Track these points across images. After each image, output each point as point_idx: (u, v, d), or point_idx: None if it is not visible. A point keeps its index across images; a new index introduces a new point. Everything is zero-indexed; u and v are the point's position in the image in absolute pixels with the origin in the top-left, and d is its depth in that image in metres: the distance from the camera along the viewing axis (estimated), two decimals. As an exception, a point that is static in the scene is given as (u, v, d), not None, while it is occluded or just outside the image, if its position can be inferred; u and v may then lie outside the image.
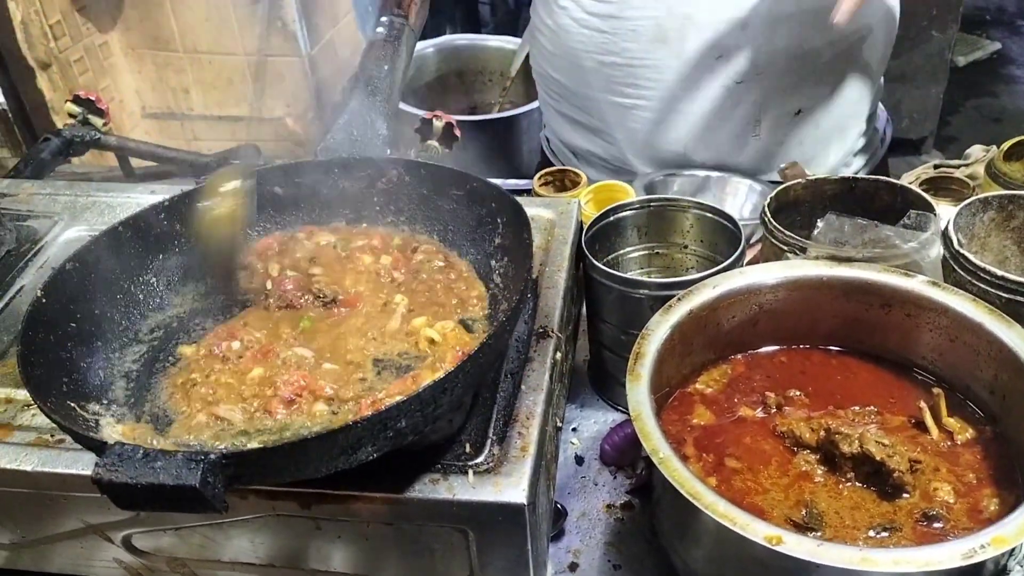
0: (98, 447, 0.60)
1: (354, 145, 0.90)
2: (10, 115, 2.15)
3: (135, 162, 1.45)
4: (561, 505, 0.91)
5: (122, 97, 2.40)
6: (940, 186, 1.20)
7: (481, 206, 0.84)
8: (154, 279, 0.85)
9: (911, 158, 3.85)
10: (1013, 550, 0.73)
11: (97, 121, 1.31)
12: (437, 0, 3.91)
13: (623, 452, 0.97)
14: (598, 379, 1.07)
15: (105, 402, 0.74)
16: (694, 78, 1.26)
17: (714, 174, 1.31)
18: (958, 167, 1.29)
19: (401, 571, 0.75)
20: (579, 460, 0.99)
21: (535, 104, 2.11)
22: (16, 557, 0.83)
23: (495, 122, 2.30)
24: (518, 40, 2.49)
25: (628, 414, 1.00)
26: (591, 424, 1.03)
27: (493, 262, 0.83)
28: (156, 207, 0.85)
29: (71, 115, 1.30)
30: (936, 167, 1.30)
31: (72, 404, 0.70)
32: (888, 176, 1.37)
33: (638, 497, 0.94)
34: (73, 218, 1.05)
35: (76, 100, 1.31)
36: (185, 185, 1.06)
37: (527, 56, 1.85)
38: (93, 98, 1.30)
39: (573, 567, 0.88)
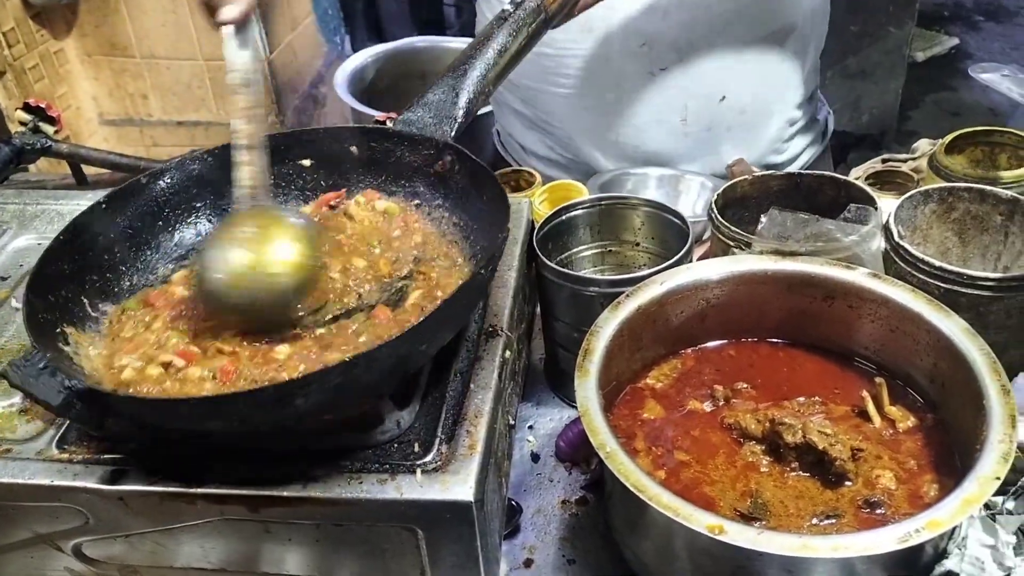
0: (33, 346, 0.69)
1: (427, 123, 0.91)
2: (-36, 123, 2.12)
3: (90, 170, 1.44)
4: (516, 502, 0.92)
5: (79, 104, 2.38)
6: (886, 180, 1.22)
7: (500, 213, 0.83)
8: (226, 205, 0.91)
9: (871, 152, 3.91)
10: (952, 533, 0.75)
11: (48, 128, 1.29)
12: (402, 2, 3.89)
13: (577, 448, 0.98)
14: (553, 377, 1.08)
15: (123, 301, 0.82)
16: (620, 66, 1.29)
17: (667, 171, 1.33)
18: (906, 161, 1.31)
19: (353, 571, 0.76)
20: (535, 457, 1.00)
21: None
22: (-35, 569, 0.82)
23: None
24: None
25: (580, 410, 1.02)
26: (547, 422, 1.04)
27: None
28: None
29: (22, 123, 1.29)
30: (884, 161, 1.33)
31: (85, 300, 0.79)
32: (847, 170, 1.40)
33: (593, 492, 0.95)
34: (22, 226, 1.04)
35: (26, 108, 1.29)
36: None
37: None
38: (44, 105, 1.29)
39: (528, 563, 0.88)
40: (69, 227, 0.81)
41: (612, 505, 0.86)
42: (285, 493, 0.69)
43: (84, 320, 0.79)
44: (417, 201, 0.90)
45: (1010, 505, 0.75)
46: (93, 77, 2.37)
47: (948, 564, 0.73)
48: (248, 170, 0.81)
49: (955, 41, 4.83)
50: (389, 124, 1.17)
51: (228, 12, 0.81)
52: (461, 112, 0.90)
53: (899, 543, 0.65)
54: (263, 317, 0.76)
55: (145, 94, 2.39)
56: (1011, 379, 0.82)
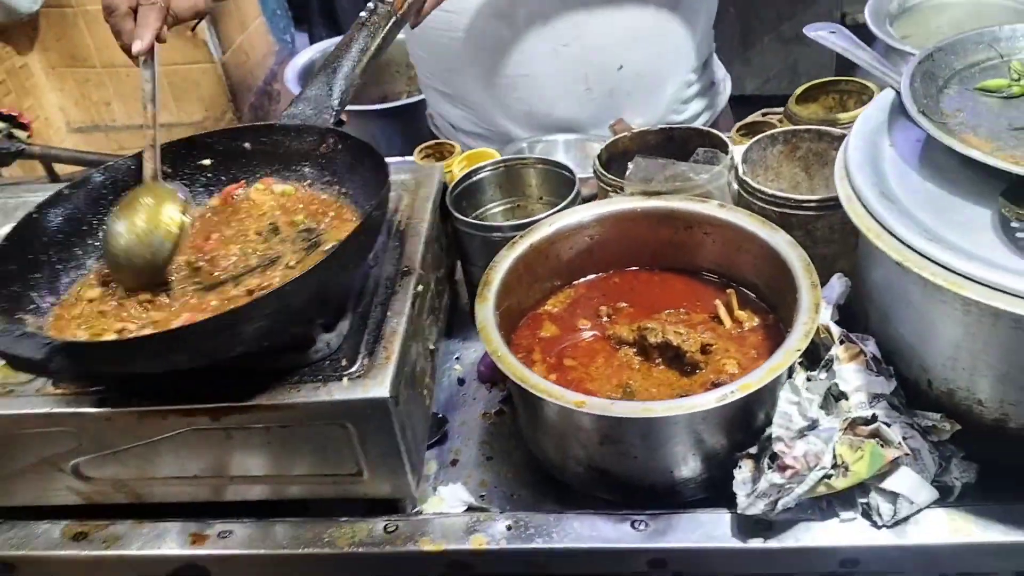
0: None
1: (308, 114, 1.08)
2: (-61, 139, 2.26)
3: (64, 169, 1.59)
4: (442, 415, 1.10)
5: (47, 115, 2.53)
6: (758, 130, 1.40)
7: (379, 176, 0.99)
8: None
9: (810, 113, 4.10)
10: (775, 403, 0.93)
11: (21, 134, 1.45)
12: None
13: (495, 370, 1.16)
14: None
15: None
16: (528, 45, 1.46)
17: (574, 136, 1.51)
18: (780, 113, 1.50)
19: (303, 468, 0.93)
20: (461, 382, 1.18)
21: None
22: (-16, 495, 0.99)
23: (402, 108, 2.46)
24: (421, 31, 2.67)
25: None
26: (471, 352, 1.22)
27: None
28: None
29: (-5, 132, 1.45)
30: (764, 114, 1.51)
31: (34, 293, 0.95)
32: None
33: (508, 406, 1.13)
34: (5, 217, 1.20)
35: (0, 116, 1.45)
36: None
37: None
38: (15, 114, 1.45)
39: (454, 463, 1.06)
40: (12, 233, 0.96)
41: (517, 409, 1.04)
42: (240, 403, 0.87)
43: (36, 311, 0.94)
44: (309, 181, 1.09)
45: (822, 376, 0.94)
46: (58, 88, 2.52)
47: (772, 426, 0.91)
48: (150, 164, 1.03)
49: (890, 1, 5.03)
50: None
51: (137, 47, 1.06)
52: (336, 103, 1.08)
53: (717, 402, 0.83)
54: (137, 269, 0.97)
55: (108, 101, 2.54)
56: (833, 281, 1.02)
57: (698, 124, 1.68)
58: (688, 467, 0.91)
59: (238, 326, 0.81)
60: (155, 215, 0.97)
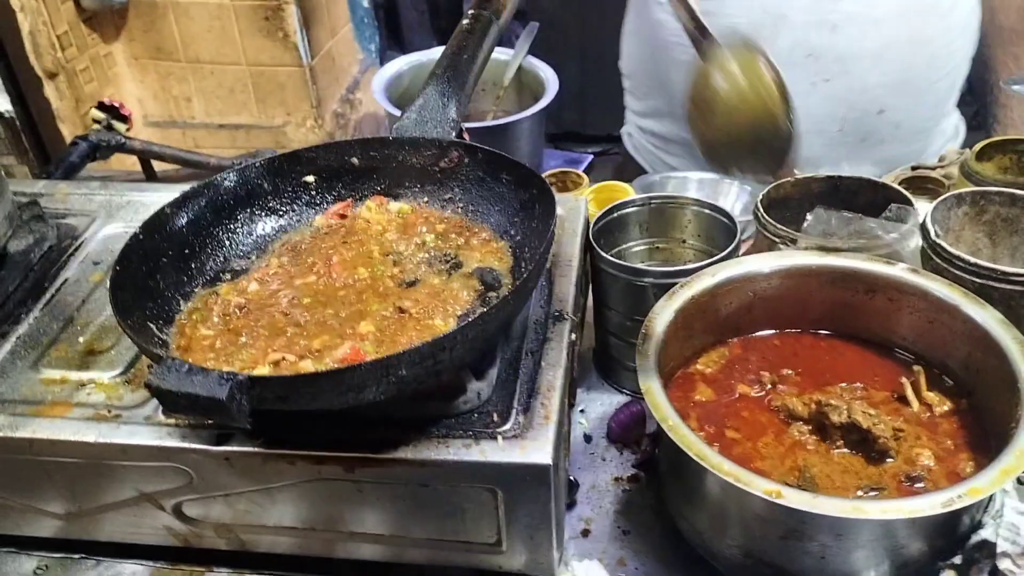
0: (156, 359, 0.71)
1: (424, 127, 0.98)
2: (17, 123, 2.20)
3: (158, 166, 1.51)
4: (573, 478, 0.99)
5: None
6: (917, 185, 1.28)
7: (526, 191, 0.92)
8: (241, 228, 0.96)
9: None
10: (987, 506, 0.81)
11: (120, 126, 1.37)
12: (422, 12, 3.95)
13: (628, 430, 1.04)
14: (604, 364, 1.15)
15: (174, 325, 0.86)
16: (785, 75, 1.34)
17: (707, 176, 1.39)
18: (934, 168, 1.38)
19: (432, 531, 0.82)
20: (587, 438, 1.06)
21: (527, 112, 2.18)
22: (68, 527, 0.89)
23: (490, 130, 2.37)
24: (510, 51, 2.58)
25: (633, 396, 1.09)
26: (598, 406, 1.11)
27: (527, 249, 0.90)
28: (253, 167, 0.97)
29: (96, 121, 1.37)
30: (913, 168, 1.39)
31: (152, 325, 0.82)
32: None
33: (644, 471, 1.01)
34: (109, 216, 1.11)
35: (101, 107, 1.37)
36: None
37: (519, 67, 1.95)
38: (117, 105, 1.37)
39: (585, 533, 0.95)
40: (120, 259, 0.83)
41: (666, 480, 0.92)
42: (380, 455, 0.76)
43: (163, 345, 0.82)
44: (425, 199, 0.99)
45: (1040, 480, 0.81)
46: (139, 80, 2.46)
47: (983, 533, 0.79)
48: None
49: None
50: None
51: None
52: (454, 113, 0.99)
53: (943, 507, 0.71)
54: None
55: (189, 97, 2.47)
56: (1042, 367, 0.89)
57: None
58: (877, 573, 0.79)
59: (445, 352, 0.71)
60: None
